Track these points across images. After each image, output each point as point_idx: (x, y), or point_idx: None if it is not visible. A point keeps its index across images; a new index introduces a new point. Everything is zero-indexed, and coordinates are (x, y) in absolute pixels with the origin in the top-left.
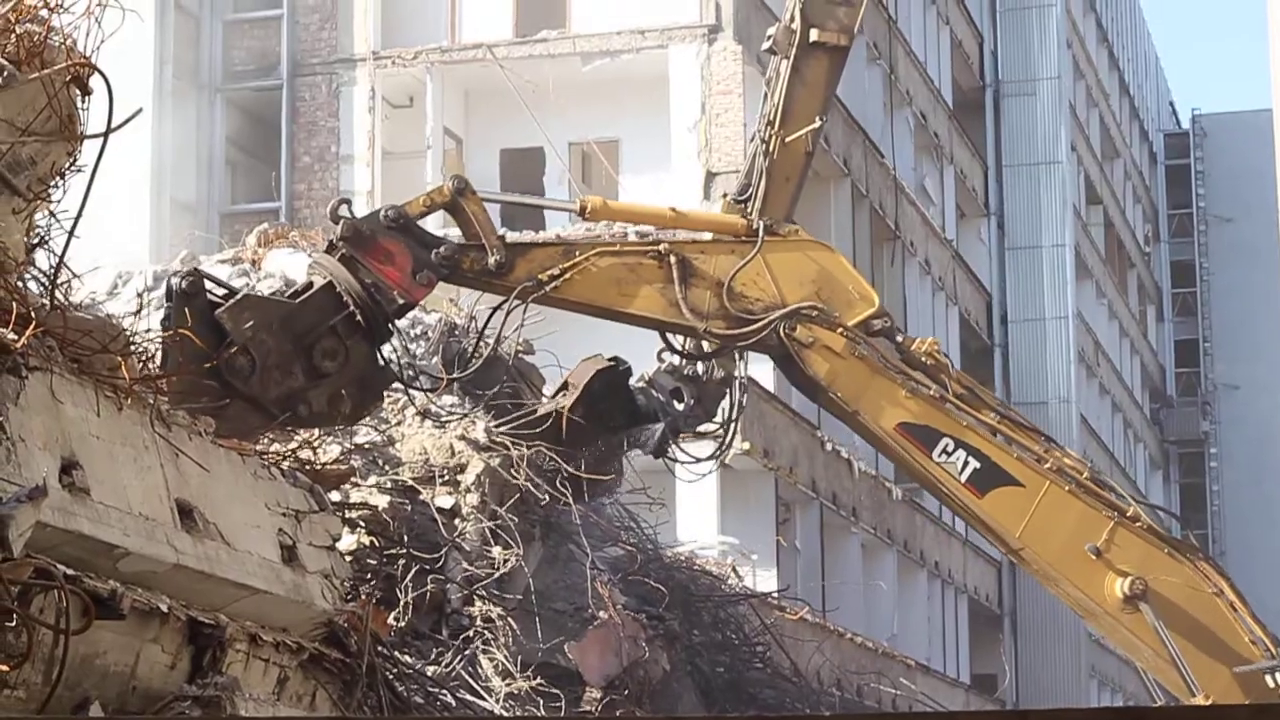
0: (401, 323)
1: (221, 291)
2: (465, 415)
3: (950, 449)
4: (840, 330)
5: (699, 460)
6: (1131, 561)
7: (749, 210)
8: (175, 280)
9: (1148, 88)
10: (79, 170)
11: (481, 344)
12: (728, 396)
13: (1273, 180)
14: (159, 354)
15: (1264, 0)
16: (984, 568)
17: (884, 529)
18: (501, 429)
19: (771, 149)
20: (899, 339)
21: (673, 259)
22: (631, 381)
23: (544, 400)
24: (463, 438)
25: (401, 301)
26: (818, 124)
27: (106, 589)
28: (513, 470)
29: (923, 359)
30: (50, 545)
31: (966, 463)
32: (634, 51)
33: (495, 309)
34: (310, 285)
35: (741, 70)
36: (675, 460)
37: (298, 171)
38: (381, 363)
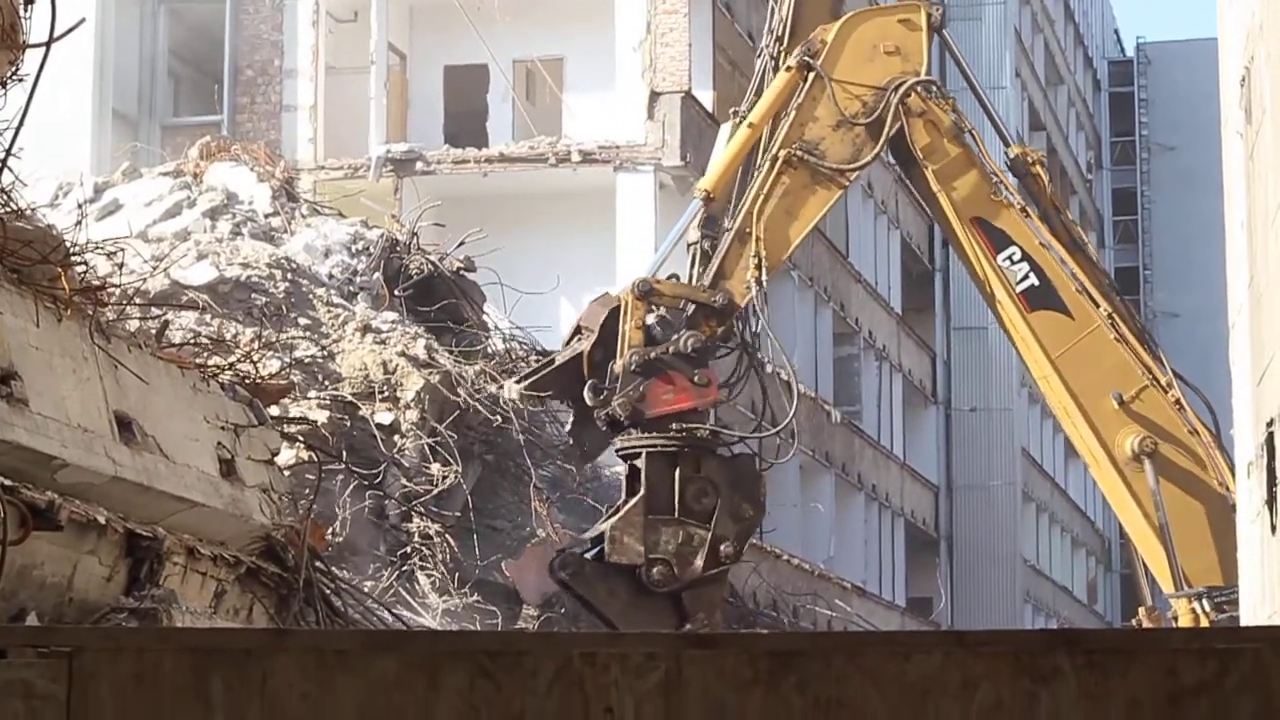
0: (341, 238)
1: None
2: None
3: (1016, 258)
4: (950, 113)
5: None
6: (1151, 422)
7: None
8: (557, 567)
9: (1093, 14)
10: (20, 80)
11: (753, 326)
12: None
13: (1215, 109)
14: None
15: None
16: (921, 491)
17: (822, 451)
18: (524, 382)
19: (780, 63)
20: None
21: (797, 157)
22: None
23: (561, 349)
24: (403, 354)
25: (709, 411)
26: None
27: (44, 500)
28: (455, 387)
29: (1028, 166)
30: None
31: (1026, 276)
32: None
33: (737, 319)
34: (637, 471)
35: None
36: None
37: (240, 85)
38: (748, 452)
